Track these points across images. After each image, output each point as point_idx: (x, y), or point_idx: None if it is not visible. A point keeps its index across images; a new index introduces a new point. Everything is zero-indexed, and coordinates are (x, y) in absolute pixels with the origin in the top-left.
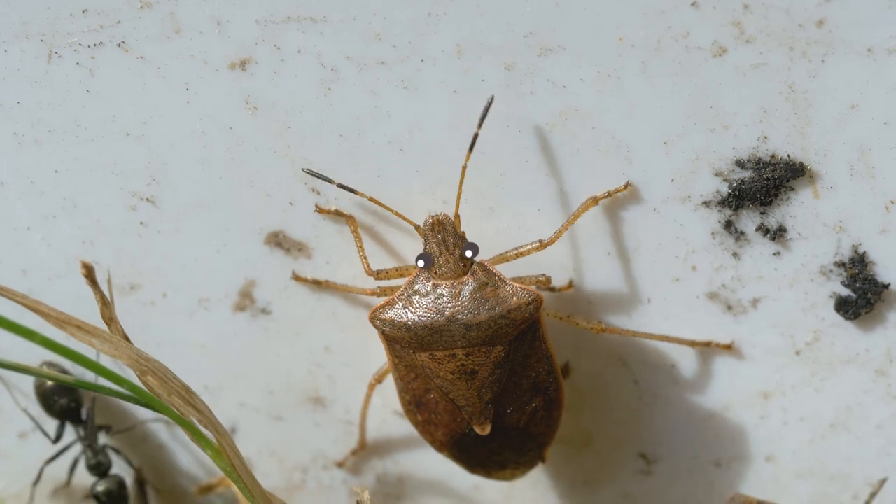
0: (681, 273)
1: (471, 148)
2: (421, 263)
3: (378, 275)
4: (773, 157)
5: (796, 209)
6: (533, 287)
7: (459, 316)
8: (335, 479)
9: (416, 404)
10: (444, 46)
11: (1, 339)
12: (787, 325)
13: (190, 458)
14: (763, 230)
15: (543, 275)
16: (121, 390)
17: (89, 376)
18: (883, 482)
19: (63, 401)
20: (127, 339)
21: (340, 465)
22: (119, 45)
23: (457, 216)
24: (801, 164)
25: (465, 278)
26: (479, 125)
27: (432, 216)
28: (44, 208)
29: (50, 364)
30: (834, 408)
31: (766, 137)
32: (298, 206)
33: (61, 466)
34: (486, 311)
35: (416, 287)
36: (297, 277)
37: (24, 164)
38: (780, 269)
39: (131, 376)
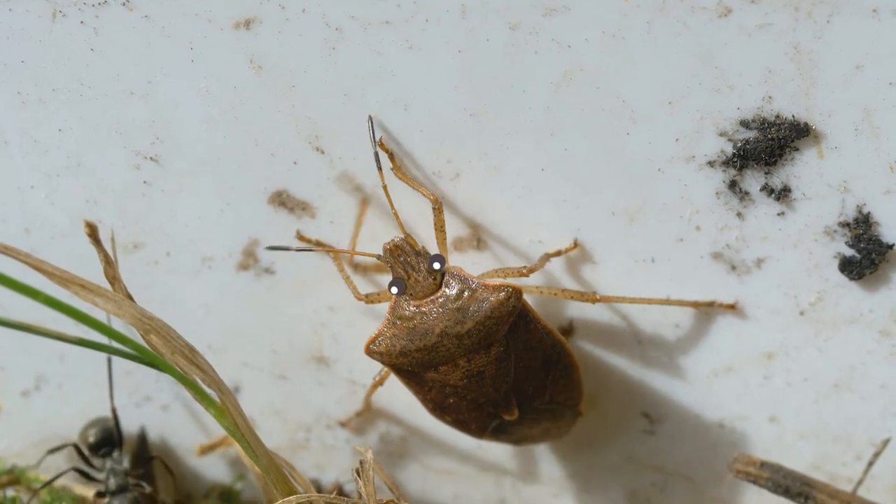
0: (685, 233)
1: (379, 168)
2: (394, 290)
3: (368, 298)
4: (777, 117)
5: (801, 169)
6: (512, 279)
7: (448, 329)
8: (338, 439)
9: (440, 410)
10: (448, 6)
11: (4, 297)
12: (791, 285)
13: (192, 418)
14: (767, 190)
15: (525, 266)
16: (124, 349)
17: (92, 336)
18: (886, 442)
19: (105, 449)
20: (130, 298)
21: (344, 425)
22: (123, 3)
23: (407, 235)
24: (806, 124)
25: (440, 292)
26: (373, 144)
27: (387, 243)
28: (47, 167)
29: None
30: (837, 368)
31: (770, 98)
32: (302, 166)
33: (67, 425)
34: (470, 318)
35: (398, 313)
36: (301, 237)
37: (27, 122)
38: (784, 230)
39: (135, 335)
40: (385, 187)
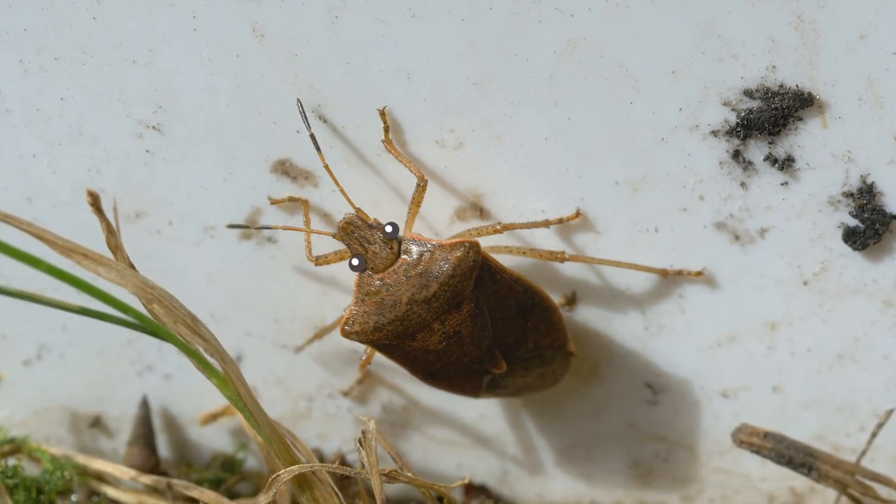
0: (688, 203)
1: (318, 148)
2: (356, 262)
3: (318, 260)
4: (781, 86)
5: (804, 139)
6: (473, 237)
7: (415, 296)
8: (341, 408)
9: (431, 377)
10: None
11: (6, 266)
12: (795, 255)
13: (195, 387)
14: (771, 160)
15: (500, 223)
16: (126, 318)
17: (94, 305)
18: (890, 413)
19: None
20: (132, 267)
21: (346, 394)
22: None
23: (358, 210)
24: (810, 94)
25: (400, 260)
26: (307, 126)
27: (339, 221)
28: (49, 136)
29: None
30: (841, 338)
31: (774, 67)
32: (305, 135)
33: (68, 394)
34: (434, 280)
35: (364, 289)
36: (273, 201)
37: (29, 91)
38: (787, 200)
39: (137, 305)
40: (327, 167)
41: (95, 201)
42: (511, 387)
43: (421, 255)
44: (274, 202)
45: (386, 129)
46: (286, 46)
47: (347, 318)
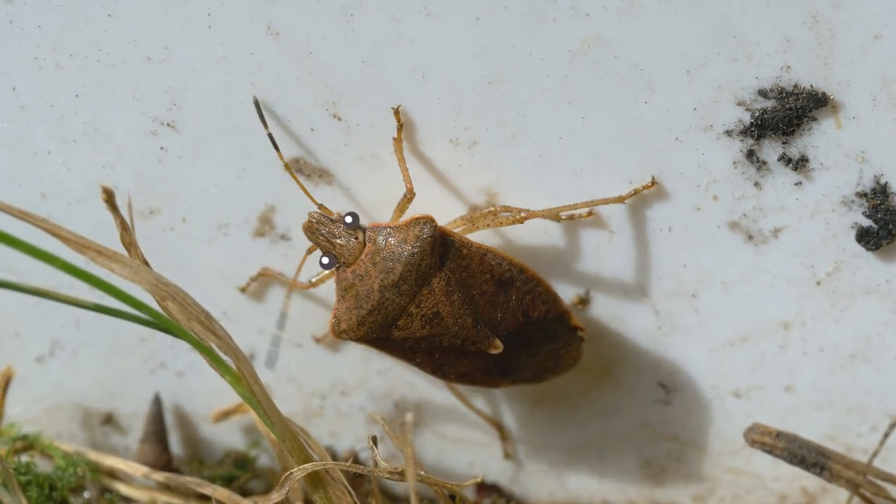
0: (702, 202)
1: (276, 148)
2: (326, 261)
3: (311, 283)
4: (795, 86)
5: (818, 139)
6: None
7: (384, 282)
8: (353, 406)
9: (439, 371)
10: None
11: (20, 263)
12: (808, 255)
13: (207, 385)
14: (785, 160)
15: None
16: (140, 315)
17: (108, 302)
18: None
19: None
20: (146, 264)
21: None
22: None
23: (321, 206)
24: (824, 94)
25: (366, 248)
26: (265, 126)
27: (304, 224)
28: (64, 133)
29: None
30: (854, 339)
31: (788, 67)
32: (319, 133)
33: (81, 391)
34: (397, 262)
35: (342, 285)
36: (244, 287)
37: (44, 88)
38: (801, 199)
39: (151, 302)
40: (287, 167)
41: (110, 198)
42: (524, 369)
43: (384, 240)
44: (245, 288)
45: (399, 128)
46: (301, 44)
47: (334, 319)
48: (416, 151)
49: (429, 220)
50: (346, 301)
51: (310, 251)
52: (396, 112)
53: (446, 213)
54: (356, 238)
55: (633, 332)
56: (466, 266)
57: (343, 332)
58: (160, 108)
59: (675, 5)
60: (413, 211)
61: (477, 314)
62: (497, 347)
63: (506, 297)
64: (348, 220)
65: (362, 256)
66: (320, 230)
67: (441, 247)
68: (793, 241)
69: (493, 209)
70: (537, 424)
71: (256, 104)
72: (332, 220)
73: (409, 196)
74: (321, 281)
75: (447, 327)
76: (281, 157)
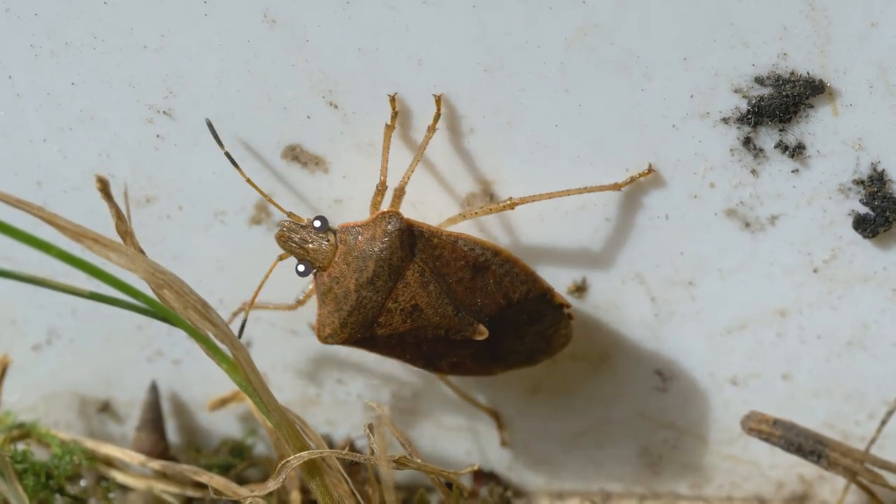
0: (699, 190)
1: (235, 165)
2: (302, 268)
3: (298, 302)
4: (792, 74)
5: (815, 127)
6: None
7: (359, 280)
8: (350, 394)
9: (431, 367)
10: None
11: (17, 251)
12: (805, 242)
13: (204, 373)
14: (782, 147)
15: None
16: (136, 304)
17: (105, 290)
18: None
19: None
20: (142, 252)
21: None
22: None
23: (290, 213)
24: (821, 81)
25: (339, 250)
26: (221, 146)
27: (276, 234)
28: (60, 120)
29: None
30: (851, 326)
31: (785, 55)
32: (315, 120)
33: (78, 379)
34: (368, 259)
35: (321, 290)
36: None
37: (40, 76)
38: (798, 187)
39: (147, 290)
40: (249, 180)
41: (105, 187)
42: (515, 353)
43: (354, 238)
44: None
45: (393, 116)
46: (297, 32)
47: (318, 325)
48: (412, 139)
49: (394, 214)
50: (327, 305)
51: (281, 258)
52: (392, 100)
53: (443, 202)
54: (327, 241)
55: (629, 319)
56: (439, 255)
57: (329, 337)
58: (156, 96)
59: None
60: (405, 202)
61: (456, 302)
62: (482, 333)
63: (483, 281)
64: (317, 224)
65: (336, 258)
66: (292, 237)
67: (410, 238)
68: (789, 229)
69: (485, 206)
70: (534, 413)
71: (210, 125)
72: (302, 227)
73: (380, 188)
74: (307, 297)
75: (428, 318)
76: (242, 172)
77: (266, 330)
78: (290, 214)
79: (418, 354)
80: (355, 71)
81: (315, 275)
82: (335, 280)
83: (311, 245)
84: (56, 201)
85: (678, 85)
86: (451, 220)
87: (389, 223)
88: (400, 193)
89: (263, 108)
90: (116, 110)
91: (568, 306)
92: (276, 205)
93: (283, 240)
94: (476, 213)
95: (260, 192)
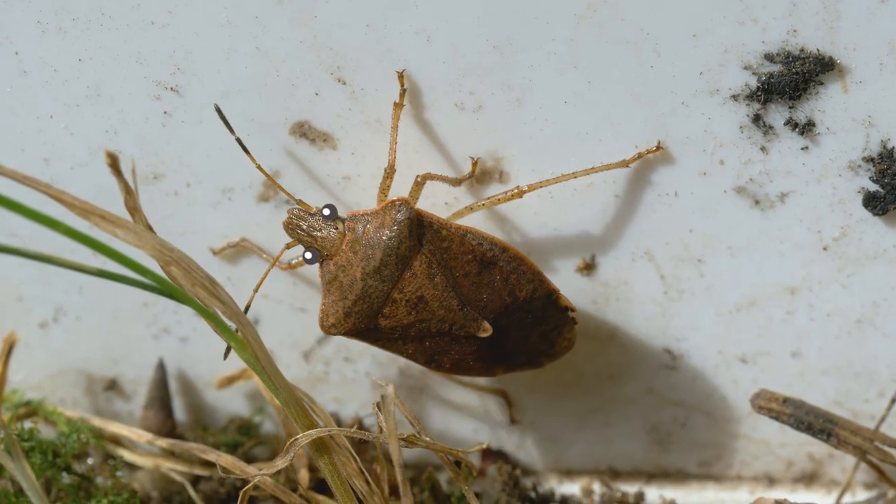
0: (708, 167)
1: (246, 151)
2: (308, 255)
3: (289, 266)
4: (802, 51)
5: (825, 103)
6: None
7: (365, 269)
8: (358, 372)
9: (432, 363)
10: None
11: (23, 228)
12: (815, 220)
13: (211, 350)
14: (791, 124)
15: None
16: (144, 280)
17: (112, 267)
18: None
19: None
20: (150, 229)
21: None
22: None
23: (299, 202)
24: (831, 58)
25: (346, 238)
26: (231, 131)
27: (283, 221)
28: (67, 97)
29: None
30: (861, 304)
31: (795, 31)
32: (324, 97)
33: (84, 357)
34: (376, 248)
35: (327, 278)
36: (216, 251)
37: (47, 52)
38: (808, 164)
39: (155, 267)
40: (260, 167)
41: (114, 162)
42: (517, 353)
43: (363, 227)
44: (216, 252)
45: (402, 93)
46: (305, 8)
47: (322, 314)
48: (421, 116)
49: (404, 203)
50: (332, 294)
51: (288, 246)
52: (400, 76)
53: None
54: (336, 228)
55: (638, 297)
56: (447, 248)
57: (332, 327)
58: (164, 73)
59: None
60: (402, 185)
61: (462, 296)
62: (486, 330)
63: (490, 277)
64: (326, 212)
65: (343, 246)
66: (300, 225)
67: (419, 228)
68: (799, 206)
69: (492, 197)
70: (543, 391)
71: (218, 110)
72: (310, 214)
73: (389, 172)
74: (298, 265)
75: (433, 311)
76: (252, 159)
77: (273, 307)
78: (298, 202)
79: (420, 349)
80: (363, 47)
81: (321, 263)
82: (341, 268)
83: (319, 233)
84: (63, 178)
85: (687, 61)
86: (458, 213)
87: (399, 212)
88: (391, 172)
89: (271, 84)
90: (123, 87)
91: (573, 310)
92: (286, 192)
93: (290, 227)
94: (484, 204)
95: (270, 179)
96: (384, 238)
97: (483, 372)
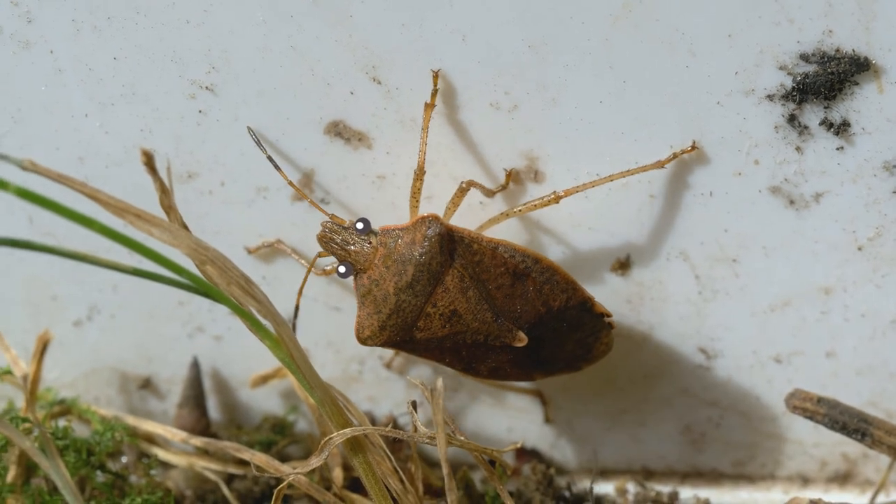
0: (743, 167)
1: (277, 169)
2: (342, 269)
3: (324, 272)
4: (837, 51)
5: (860, 104)
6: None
7: (398, 284)
8: (392, 371)
9: (470, 371)
10: None
11: (59, 227)
12: (850, 220)
13: (245, 349)
14: (827, 124)
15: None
16: (179, 279)
17: (147, 265)
18: None
19: None
20: (185, 227)
21: (387, 366)
22: None
23: (332, 216)
24: (866, 58)
25: (379, 252)
26: (263, 150)
27: (317, 234)
28: (102, 96)
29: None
30: (895, 304)
31: (831, 31)
32: (359, 96)
33: (118, 355)
34: (408, 263)
35: (361, 292)
36: (251, 251)
37: (82, 51)
38: (843, 164)
39: (190, 265)
40: (292, 183)
41: (150, 161)
42: (555, 360)
43: (394, 242)
44: (252, 251)
45: (433, 93)
46: (341, 7)
47: (357, 326)
48: (455, 116)
49: (434, 219)
50: (366, 307)
51: (321, 255)
52: (435, 75)
53: (488, 178)
54: (369, 242)
55: (673, 297)
56: (479, 261)
57: (368, 339)
58: (199, 71)
59: None
60: (447, 178)
61: (496, 308)
62: (521, 340)
63: (523, 288)
64: (359, 226)
65: (376, 260)
66: (334, 238)
67: (450, 243)
68: (834, 206)
69: (529, 203)
70: (577, 390)
71: (250, 131)
72: (344, 228)
73: (419, 174)
74: (332, 272)
75: (467, 324)
76: (284, 175)
77: (309, 306)
78: (332, 217)
79: (458, 358)
80: (399, 46)
81: (355, 276)
82: (374, 283)
83: (352, 247)
84: (98, 177)
85: (723, 61)
86: (493, 219)
87: (430, 228)
88: (420, 174)
89: (306, 83)
90: (158, 85)
91: (609, 315)
92: (320, 209)
93: (324, 241)
94: (520, 210)
95: (302, 194)
96: (415, 254)
97: (522, 377)
